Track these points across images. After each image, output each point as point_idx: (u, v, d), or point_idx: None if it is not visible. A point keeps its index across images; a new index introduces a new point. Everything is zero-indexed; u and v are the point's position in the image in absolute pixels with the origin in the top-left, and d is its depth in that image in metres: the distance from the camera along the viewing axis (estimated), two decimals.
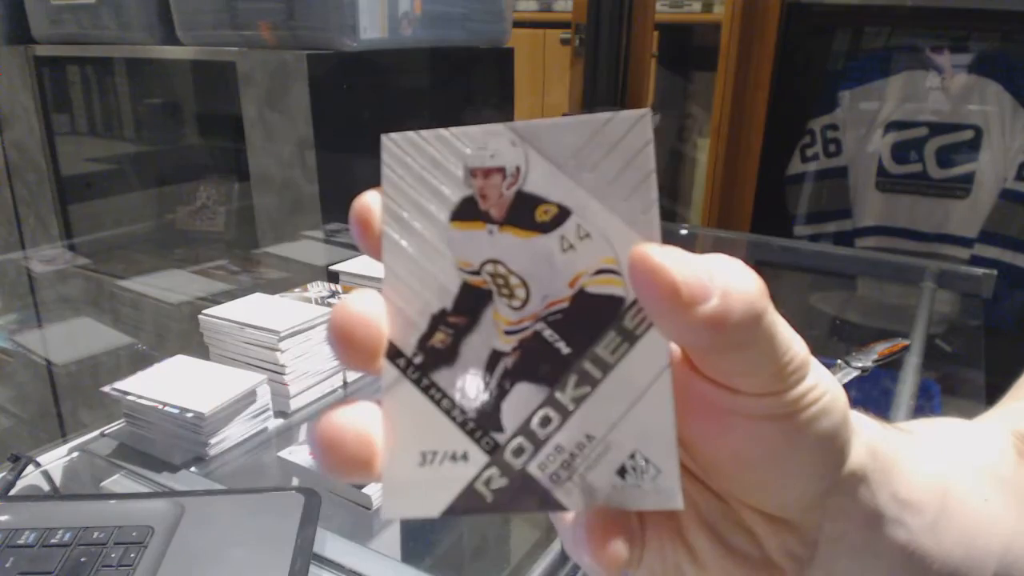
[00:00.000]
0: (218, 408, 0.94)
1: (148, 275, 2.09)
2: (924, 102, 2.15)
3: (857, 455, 0.28)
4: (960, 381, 1.39)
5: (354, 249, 1.60)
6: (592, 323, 0.25)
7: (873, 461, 0.29)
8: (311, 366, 1.09)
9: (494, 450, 0.25)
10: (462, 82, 1.98)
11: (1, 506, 0.79)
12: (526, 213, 0.25)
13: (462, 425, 0.25)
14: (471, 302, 0.25)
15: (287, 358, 1.05)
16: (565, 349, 0.25)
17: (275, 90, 1.59)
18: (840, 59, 2.32)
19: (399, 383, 0.25)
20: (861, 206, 2.27)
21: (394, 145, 0.26)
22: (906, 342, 1.25)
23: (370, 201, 0.26)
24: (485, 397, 0.25)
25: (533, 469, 0.25)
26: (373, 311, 0.25)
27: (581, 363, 0.25)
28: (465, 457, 0.25)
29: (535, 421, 0.25)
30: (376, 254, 0.26)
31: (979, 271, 1.57)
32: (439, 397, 0.25)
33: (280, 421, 1.05)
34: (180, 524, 0.76)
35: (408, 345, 0.25)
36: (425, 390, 0.25)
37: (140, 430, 0.98)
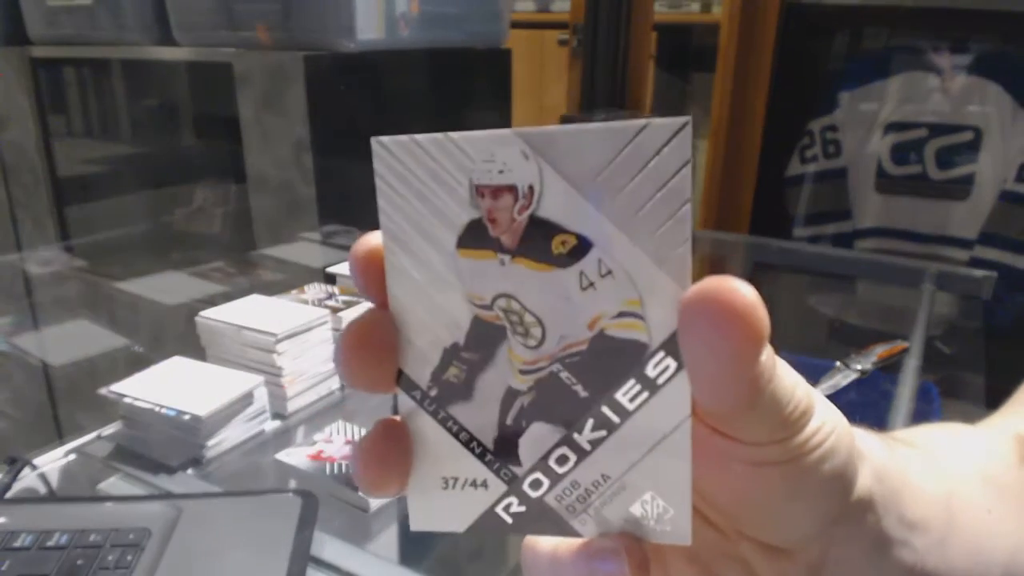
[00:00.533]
0: (215, 410, 0.94)
1: (145, 277, 2.09)
2: (924, 103, 2.15)
3: (864, 481, 0.27)
4: (960, 384, 1.39)
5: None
6: (612, 369, 0.24)
7: (880, 485, 0.28)
8: (308, 368, 1.08)
9: (512, 480, 0.25)
10: (459, 83, 1.98)
11: None
12: (541, 243, 0.23)
13: (480, 456, 0.25)
14: (484, 338, 0.25)
15: (284, 360, 1.05)
16: (583, 392, 0.24)
17: (272, 91, 1.59)
18: (839, 60, 2.32)
19: (416, 413, 0.25)
20: (860, 207, 2.27)
21: (387, 153, 0.24)
22: (905, 344, 1.25)
23: (372, 244, 0.25)
24: (502, 433, 0.25)
25: (550, 500, 0.25)
26: (382, 338, 0.25)
27: (599, 407, 0.24)
28: (485, 485, 0.25)
29: (552, 459, 0.25)
30: (381, 305, 0.25)
31: (979, 273, 1.58)
32: (456, 429, 0.25)
33: (277, 423, 1.05)
34: (177, 526, 0.76)
35: (422, 378, 0.25)
36: (442, 422, 0.25)
37: (137, 432, 0.97)
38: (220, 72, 1.67)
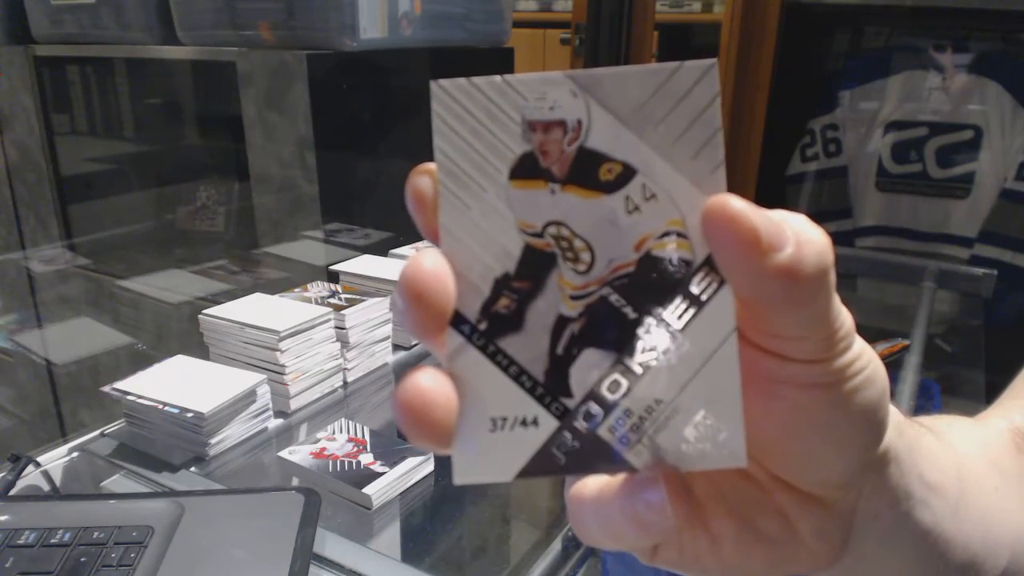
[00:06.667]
0: (218, 408, 0.94)
1: (148, 275, 2.09)
2: (924, 102, 2.15)
3: (888, 433, 0.28)
4: (960, 381, 1.39)
5: (354, 249, 1.60)
6: (659, 288, 0.24)
7: (901, 440, 0.29)
8: (311, 366, 1.09)
9: (564, 415, 0.25)
10: None
11: (1, 506, 0.79)
12: (589, 171, 0.25)
13: (531, 391, 0.25)
14: (535, 266, 0.25)
15: (287, 358, 1.05)
16: (632, 314, 0.25)
17: (275, 90, 1.59)
18: (840, 59, 2.32)
19: (464, 350, 0.25)
20: (861, 206, 2.27)
21: (445, 94, 0.25)
22: (906, 342, 1.25)
23: (429, 178, 0.25)
24: (553, 363, 0.25)
25: (603, 432, 0.25)
26: (445, 269, 0.24)
27: (648, 328, 0.25)
28: (536, 422, 0.25)
29: (604, 386, 0.25)
30: (432, 234, 0.25)
31: (979, 271, 1.58)
32: (506, 363, 0.25)
33: (280, 421, 1.05)
34: (180, 524, 0.76)
35: (472, 311, 0.25)
36: (491, 356, 0.25)
37: (140, 430, 0.98)
38: (223, 71, 1.67)
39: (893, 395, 1.07)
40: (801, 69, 2.30)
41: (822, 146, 2.27)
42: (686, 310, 0.24)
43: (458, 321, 0.25)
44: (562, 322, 0.25)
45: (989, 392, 1.28)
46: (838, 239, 2.29)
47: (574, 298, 0.25)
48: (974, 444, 0.37)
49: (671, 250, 0.24)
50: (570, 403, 0.25)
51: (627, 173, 0.24)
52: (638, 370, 0.25)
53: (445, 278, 0.24)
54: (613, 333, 0.25)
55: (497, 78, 0.25)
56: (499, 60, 2.07)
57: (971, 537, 0.32)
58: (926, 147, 2.16)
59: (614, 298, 0.25)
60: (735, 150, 2.33)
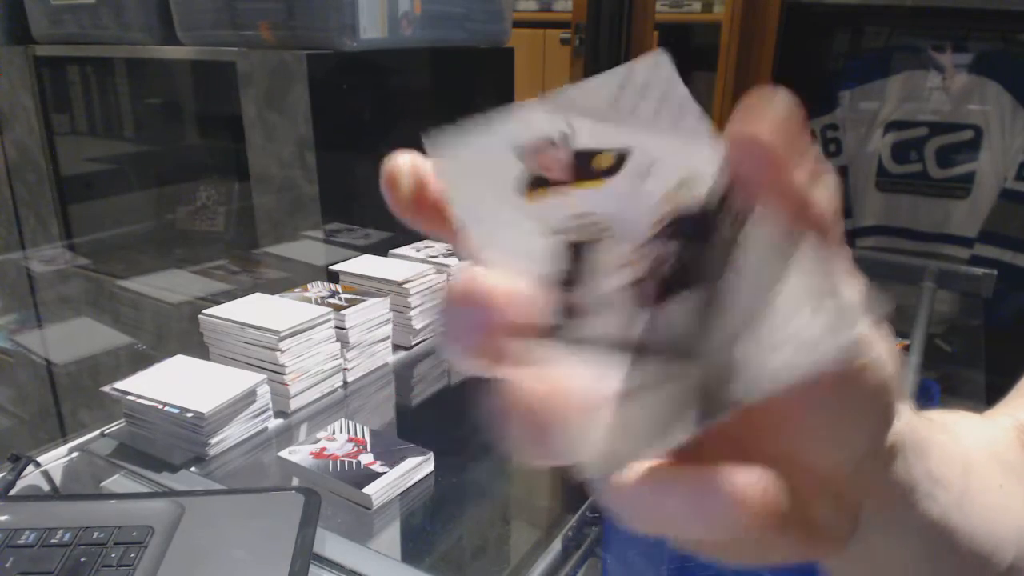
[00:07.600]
0: (218, 408, 0.94)
1: (148, 275, 2.09)
2: (924, 102, 2.15)
3: (897, 427, 0.28)
4: (960, 381, 1.39)
5: (354, 249, 1.60)
6: (695, 232, 0.25)
7: (910, 433, 0.29)
8: (311, 366, 1.09)
9: (664, 370, 0.25)
10: (462, 82, 1.98)
11: (1, 506, 0.79)
12: (588, 167, 0.26)
13: (626, 362, 0.25)
14: (576, 256, 0.26)
15: (287, 358, 1.05)
16: (682, 263, 0.25)
17: (275, 90, 1.59)
18: (840, 59, 2.32)
19: (549, 351, 0.25)
20: (861, 206, 2.27)
21: (440, 148, 0.26)
22: (906, 342, 1.25)
23: (401, 161, 0.26)
24: (631, 332, 0.25)
25: (706, 377, 0.25)
26: (500, 279, 0.24)
27: (705, 272, 0.25)
28: (643, 387, 0.25)
29: (688, 334, 0.25)
30: (402, 210, 0.26)
31: (979, 271, 1.58)
32: (592, 346, 0.25)
33: (280, 421, 1.05)
34: (180, 524, 0.76)
35: (535, 315, 0.25)
36: (575, 345, 0.25)
37: (140, 430, 0.98)
38: (223, 71, 1.67)
39: None
40: (801, 69, 2.30)
41: (822, 146, 2.27)
42: (729, 243, 0.25)
43: (527, 329, 0.25)
44: (621, 294, 0.26)
45: (989, 392, 1.29)
46: None
47: (623, 268, 0.26)
48: (980, 440, 0.38)
49: (693, 199, 0.25)
50: (664, 359, 0.25)
51: (623, 154, 0.26)
52: (714, 310, 0.25)
53: (505, 290, 0.24)
54: (673, 287, 0.25)
55: (481, 124, 0.26)
56: (499, 60, 2.07)
57: (977, 529, 0.33)
58: (926, 147, 2.16)
59: (661, 254, 0.26)
60: None
